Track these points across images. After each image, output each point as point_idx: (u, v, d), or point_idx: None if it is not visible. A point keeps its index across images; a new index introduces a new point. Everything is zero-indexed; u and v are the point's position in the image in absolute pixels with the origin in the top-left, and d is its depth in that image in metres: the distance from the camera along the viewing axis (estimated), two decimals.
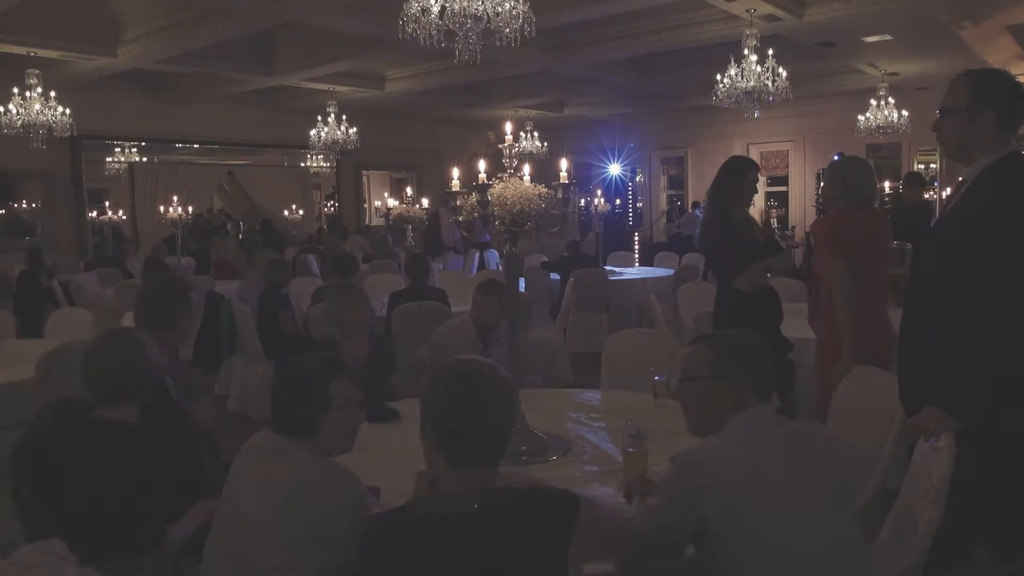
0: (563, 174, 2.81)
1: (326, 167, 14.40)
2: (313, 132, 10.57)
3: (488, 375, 1.68)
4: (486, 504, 1.56)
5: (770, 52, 7.36)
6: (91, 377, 2.32)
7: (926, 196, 12.53)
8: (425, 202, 11.64)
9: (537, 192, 2.66)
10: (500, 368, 1.72)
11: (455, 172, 2.93)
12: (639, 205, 15.78)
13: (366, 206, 15.63)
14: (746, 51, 7.32)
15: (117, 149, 12.30)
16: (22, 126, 8.05)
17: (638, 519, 1.88)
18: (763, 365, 1.96)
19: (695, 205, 13.59)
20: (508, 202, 2.62)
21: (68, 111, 8.25)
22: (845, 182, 3.49)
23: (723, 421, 1.88)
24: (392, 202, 12.62)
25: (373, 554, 1.56)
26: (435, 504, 1.60)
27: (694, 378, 1.97)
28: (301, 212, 14.57)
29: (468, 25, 4.03)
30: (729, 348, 1.97)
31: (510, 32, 4.13)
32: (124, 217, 12.47)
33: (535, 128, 12.41)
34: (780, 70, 7.39)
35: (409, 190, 13.14)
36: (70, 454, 2.18)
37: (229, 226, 14.30)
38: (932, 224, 7.48)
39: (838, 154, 3.86)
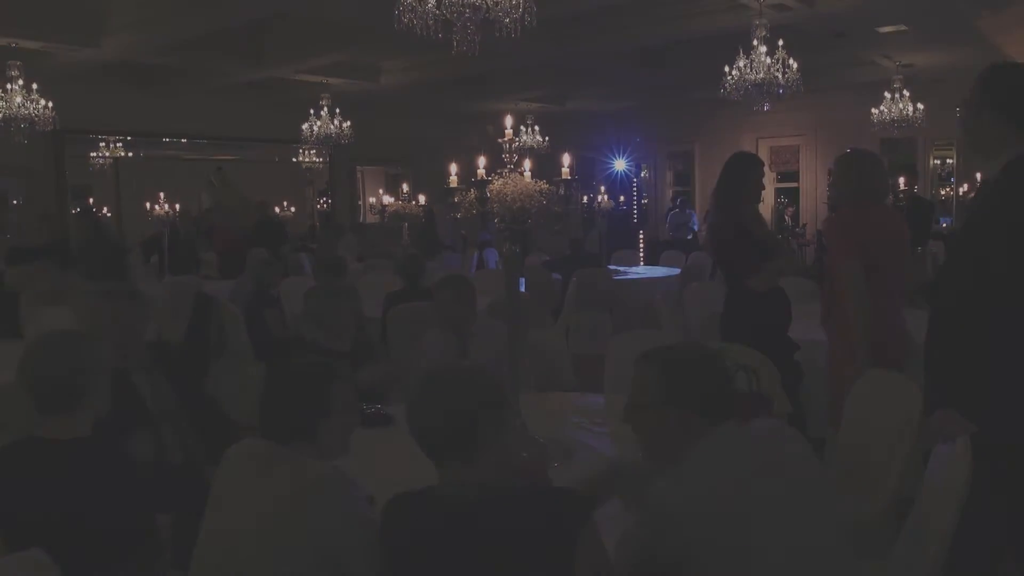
0: (565, 169, 2.81)
1: (319, 162, 14.40)
2: (305, 126, 10.56)
3: (444, 369, 1.79)
4: (481, 498, 1.62)
5: (780, 43, 7.36)
6: (29, 383, 2.16)
7: (942, 193, 12.56)
8: (422, 198, 11.65)
9: (538, 188, 2.66)
10: (467, 363, 1.79)
11: (453, 167, 2.93)
12: (644, 202, 15.77)
13: (360, 203, 15.62)
14: (755, 42, 7.32)
15: (102, 144, 12.29)
16: (3, 119, 8.04)
17: (626, 543, 1.84)
18: (715, 383, 1.85)
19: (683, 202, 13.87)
20: (508, 199, 2.62)
21: (51, 104, 8.25)
22: (854, 178, 3.49)
23: (681, 449, 1.77)
24: (387, 198, 12.63)
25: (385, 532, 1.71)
26: (437, 494, 1.69)
27: (644, 404, 1.87)
28: (293, 209, 14.57)
29: (466, 14, 4.03)
30: (679, 370, 1.85)
31: (510, 22, 4.12)
32: (109, 215, 12.47)
33: (536, 122, 12.41)
34: (791, 62, 7.39)
35: (405, 186, 13.16)
36: (20, 484, 2.10)
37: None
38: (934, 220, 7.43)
39: (851, 148, 3.88)
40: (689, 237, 12.88)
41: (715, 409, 1.82)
